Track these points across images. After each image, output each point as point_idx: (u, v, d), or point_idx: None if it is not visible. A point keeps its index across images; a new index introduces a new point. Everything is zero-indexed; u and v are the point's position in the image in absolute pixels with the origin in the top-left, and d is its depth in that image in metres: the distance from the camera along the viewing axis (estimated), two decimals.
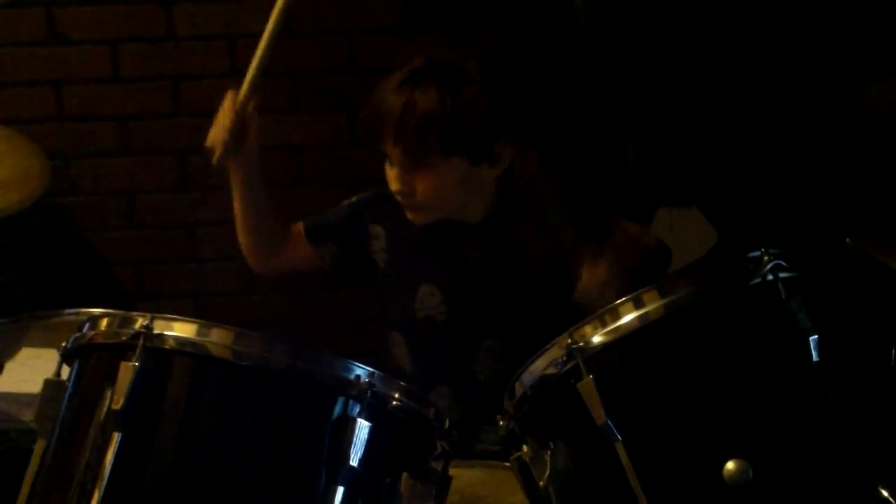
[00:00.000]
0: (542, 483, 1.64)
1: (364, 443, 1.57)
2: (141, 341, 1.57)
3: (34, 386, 1.73)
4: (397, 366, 2.28)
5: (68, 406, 1.65)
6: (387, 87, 2.09)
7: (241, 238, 2.32)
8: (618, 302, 1.60)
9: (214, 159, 2.20)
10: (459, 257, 2.19)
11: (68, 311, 2.46)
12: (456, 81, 2.06)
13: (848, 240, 2.20)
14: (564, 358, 1.60)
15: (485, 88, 2.06)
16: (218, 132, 2.18)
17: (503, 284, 2.18)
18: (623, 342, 1.58)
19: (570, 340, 1.60)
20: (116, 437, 1.54)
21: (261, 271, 2.40)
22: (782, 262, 1.59)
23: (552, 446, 1.64)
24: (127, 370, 1.55)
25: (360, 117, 2.14)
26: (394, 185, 2.10)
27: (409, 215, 2.17)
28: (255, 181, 2.26)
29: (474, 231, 2.19)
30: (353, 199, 2.32)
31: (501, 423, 1.73)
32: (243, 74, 3.10)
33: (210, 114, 3.11)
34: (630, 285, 1.68)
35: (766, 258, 1.59)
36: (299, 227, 2.34)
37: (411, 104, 2.03)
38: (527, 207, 2.20)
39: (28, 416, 1.79)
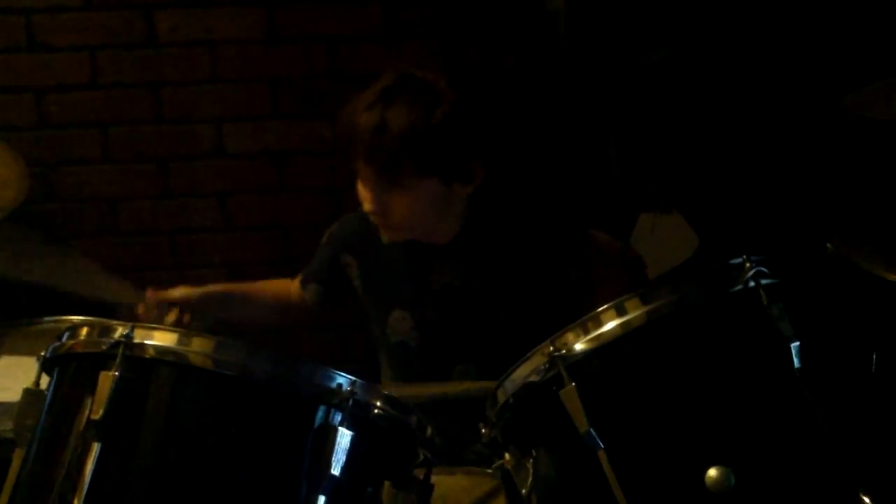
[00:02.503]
0: (524, 491, 1.63)
1: (346, 452, 1.56)
2: (121, 350, 1.56)
3: (13, 394, 1.72)
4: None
5: (47, 416, 1.64)
6: (358, 105, 2.03)
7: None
8: (600, 309, 1.60)
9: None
10: (428, 282, 2.17)
11: (48, 318, 2.44)
12: (428, 100, 2.00)
13: (829, 246, 2.21)
14: (547, 365, 1.60)
15: (458, 106, 2.01)
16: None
17: (472, 309, 2.15)
18: (605, 350, 1.58)
19: (552, 348, 1.60)
20: (96, 447, 1.53)
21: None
22: (764, 269, 1.59)
23: (535, 454, 1.64)
24: (107, 380, 1.54)
25: (335, 134, 2.10)
26: (366, 206, 2.07)
27: (382, 233, 2.15)
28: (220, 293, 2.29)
29: (442, 254, 2.15)
30: (326, 234, 2.31)
31: (484, 430, 1.73)
32: (224, 81, 3.12)
33: (191, 120, 3.13)
34: None
35: (747, 265, 1.59)
36: (297, 281, 2.36)
37: (383, 125, 1.98)
38: (496, 227, 2.17)
39: (7, 424, 1.77)
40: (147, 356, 1.57)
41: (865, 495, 1.49)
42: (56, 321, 2.40)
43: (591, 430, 1.54)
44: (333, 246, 2.28)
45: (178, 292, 2.19)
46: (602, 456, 1.54)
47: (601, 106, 3.02)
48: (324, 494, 1.55)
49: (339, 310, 2.38)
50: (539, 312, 2.08)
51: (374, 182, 2.03)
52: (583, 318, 1.62)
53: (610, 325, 1.59)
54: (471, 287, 2.15)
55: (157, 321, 2.12)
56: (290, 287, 2.37)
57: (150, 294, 2.16)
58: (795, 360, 1.55)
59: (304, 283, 2.33)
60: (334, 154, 3.17)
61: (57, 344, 1.68)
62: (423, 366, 2.18)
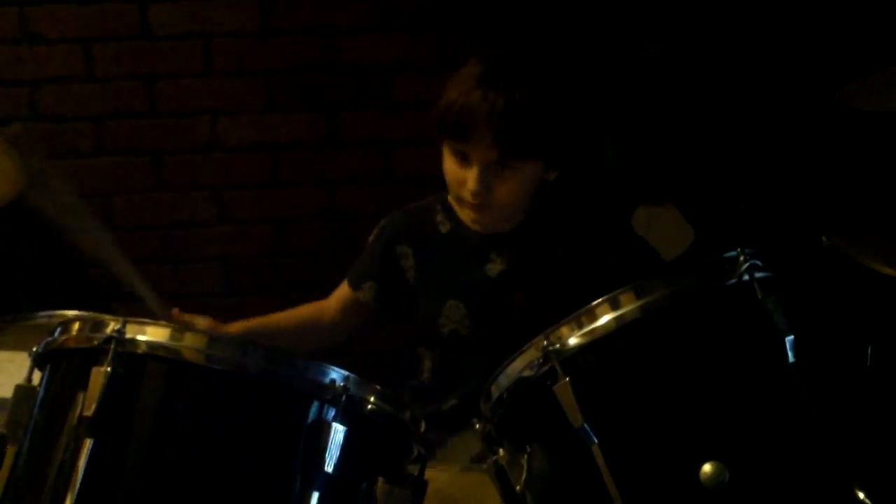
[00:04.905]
0: (518, 487, 1.63)
1: (339, 447, 1.56)
2: (113, 346, 1.55)
3: (6, 390, 1.71)
4: (418, 380, 2.27)
5: (40, 412, 1.63)
6: (473, 86, 2.02)
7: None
8: (594, 303, 1.60)
9: None
10: (484, 271, 2.17)
11: (41, 313, 2.43)
12: (545, 83, 2.03)
13: (824, 239, 2.21)
14: (541, 360, 1.59)
15: (569, 91, 2.06)
16: None
17: (527, 295, 2.15)
18: (599, 344, 1.58)
19: (546, 342, 1.59)
20: (88, 443, 1.52)
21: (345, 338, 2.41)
22: (758, 262, 1.58)
23: (529, 450, 1.63)
24: (99, 375, 1.53)
25: (437, 115, 2.07)
26: (471, 185, 2.04)
27: (472, 216, 2.12)
28: (247, 332, 2.25)
29: (500, 243, 2.16)
30: (376, 230, 2.30)
31: (478, 426, 1.72)
32: (219, 74, 3.11)
33: (186, 113, 3.12)
34: None
35: (741, 258, 1.58)
36: (344, 287, 2.33)
37: (513, 104, 1.98)
38: (555, 216, 2.18)
39: None
40: (139, 351, 1.56)
41: (860, 490, 1.49)
42: (49, 316, 2.39)
43: (586, 424, 1.53)
44: (387, 238, 2.26)
45: (204, 323, 2.16)
46: (596, 451, 1.53)
47: (597, 99, 3.01)
48: (317, 490, 1.54)
49: (391, 312, 2.33)
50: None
51: (490, 163, 2.02)
52: (577, 311, 1.61)
53: (604, 319, 1.58)
54: (527, 273, 2.15)
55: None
56: (318, 309, 2.35)
57: (176, 314, 2.13)
58: (790, 354, 1.54)
59: (357, 285, 2.29)
60: (329, 147, 3.18)
61: (49, 339, 1.67)
62: (472, 356, 2.17)
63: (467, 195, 2.07)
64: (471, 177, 2.05)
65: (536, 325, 2.06)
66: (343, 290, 2.33)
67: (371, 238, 2.30)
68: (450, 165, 2.09)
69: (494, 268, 2.17)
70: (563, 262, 2.15)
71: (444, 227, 2.22)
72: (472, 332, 2.18)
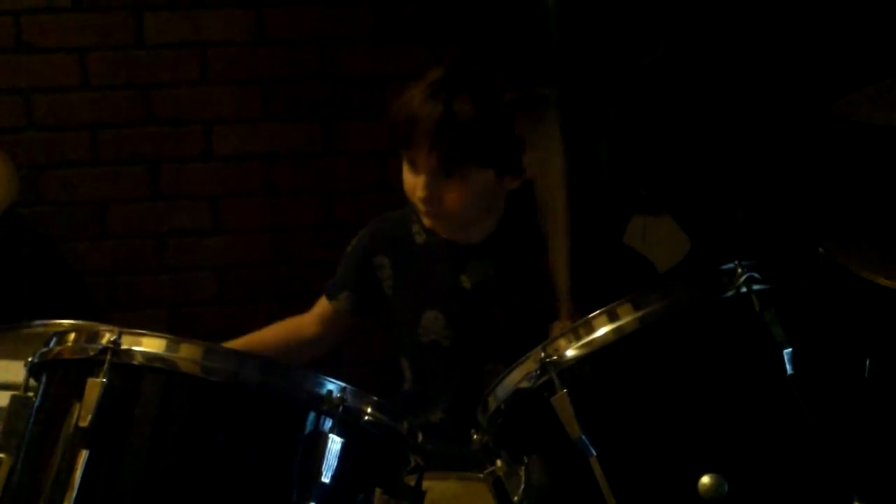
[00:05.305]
0: (516, 498, 1.62)
1: (336, 458, 1.55)
2: (108, 357, 1.55)
3: (2, 400, 1.70)
4: (402, 390, 2.27)
5: (35, 422, 1.63)
6: (419, 93, 2.04)
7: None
8: (592, 315, 1.59)
9: None
10: (461, 281, 2.17)
11: (37, 322, 2.43)
12: (490, 91, 2.03)
13: (821, 250, 2.21)
14: (538, 371, 1.59)
15: (516, 98, 2.05)
16: None
17: (506, 306, 2.15)
18: (597, 356, 1.57)
19: (543, 354, 1.59)
20: (84, 454, 1.52)
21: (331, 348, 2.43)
22: (756, 275, 1.58)
23: (526, 461, 1.63)
24: (94, 386, 1.53)
25: (388, 122, 2.09)
26: (419, 193, 2.05)
27: (426, 221, 2.13)
28: None
29: (477, 253, 2.16)
30: (354, 240, 2.30)
31: (475, 436, 1.72)
32: (214, 83, 3.11)
33: (181, 122, 3.11)
34: None
35: (739, 270, 1.58)
36: (323, 300, 2.34)
37: (450, 114, 1.99)
38: (530, 226, 2.17)
39: None
40: (135, 363, 1.56)
41: (859, 502, 1.48)
42: (45, 325, 2.39)
43: (584, 436, 1.53)
44: (364, 249, 2.26)
45: None
46: (594, 463, 1.53)
47: (592, 108, 3.01)
48: (314, 502, 1.54)
49: (371, 320, 2.34)
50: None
51: (434, 171, 2.03)
52: (575, 323, 1.61)
53: (602, 331, 1.58)
54: (504, 284, 2.15)
55: None
56: (297, 323, 2.37)
57: None
58: (788, 367, 1.54)
59: (333, 295, 2.30)
60: (325, 156, 3.18)
61: (44, 349, 1.66)
62: (453, 365, 2.18)
63: (418, 203, 2.08)
64: (419, 184, 2.06)
65: (516, 335, 2.06)
66: (322, 303, 2.34)
67: (348, 248, 2.31)
68: (405, 173, 2.10)
69: (470, 278, 2.16)
70: (542, 273, 2.14)
71: (420, 237, 2.21)
72: (451, 342, 2.17)
